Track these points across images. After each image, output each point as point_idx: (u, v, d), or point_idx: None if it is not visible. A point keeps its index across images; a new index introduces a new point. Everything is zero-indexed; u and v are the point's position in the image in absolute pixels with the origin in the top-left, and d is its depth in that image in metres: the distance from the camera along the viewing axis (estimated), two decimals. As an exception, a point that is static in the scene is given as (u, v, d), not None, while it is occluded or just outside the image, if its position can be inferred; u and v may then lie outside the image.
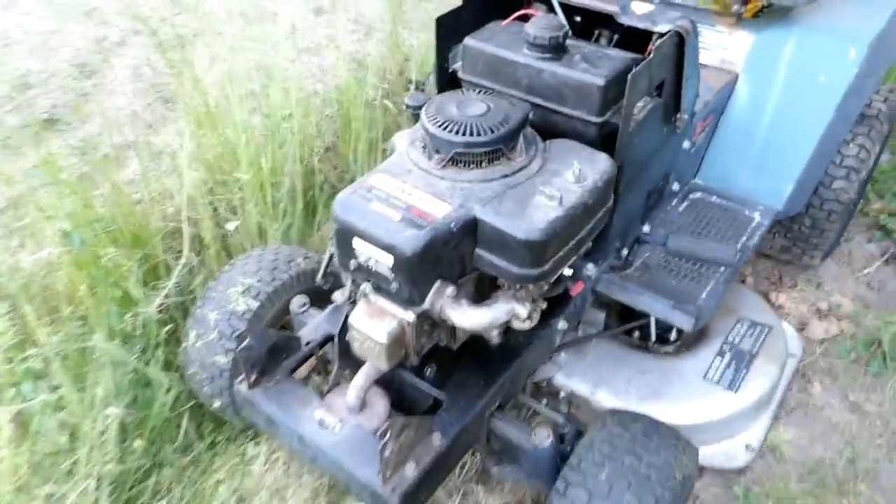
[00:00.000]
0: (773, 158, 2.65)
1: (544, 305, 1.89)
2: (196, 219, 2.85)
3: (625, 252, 2.39)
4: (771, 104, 2.63)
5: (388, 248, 1.67)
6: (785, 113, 2.61)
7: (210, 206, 2.95)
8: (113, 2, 5.25)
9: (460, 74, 2.14)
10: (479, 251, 1.76)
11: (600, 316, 2.56)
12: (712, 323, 2.65)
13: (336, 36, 4.87)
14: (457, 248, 1.73)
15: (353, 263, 1.79)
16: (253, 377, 1.94)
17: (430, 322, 1.81)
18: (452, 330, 1.92)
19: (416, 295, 1.73)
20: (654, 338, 2.55)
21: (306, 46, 4.79)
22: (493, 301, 1.81)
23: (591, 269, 2.27)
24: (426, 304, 1.75)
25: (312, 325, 2.16)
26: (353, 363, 2.02)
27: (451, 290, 1.74)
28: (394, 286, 1.72)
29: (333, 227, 1.80)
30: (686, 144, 2.49)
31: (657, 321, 2.50)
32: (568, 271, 2.22)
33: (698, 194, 2.77)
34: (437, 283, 1.75)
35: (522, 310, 1.80)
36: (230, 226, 2.91)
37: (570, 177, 1.78)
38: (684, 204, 2.73)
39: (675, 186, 2.60)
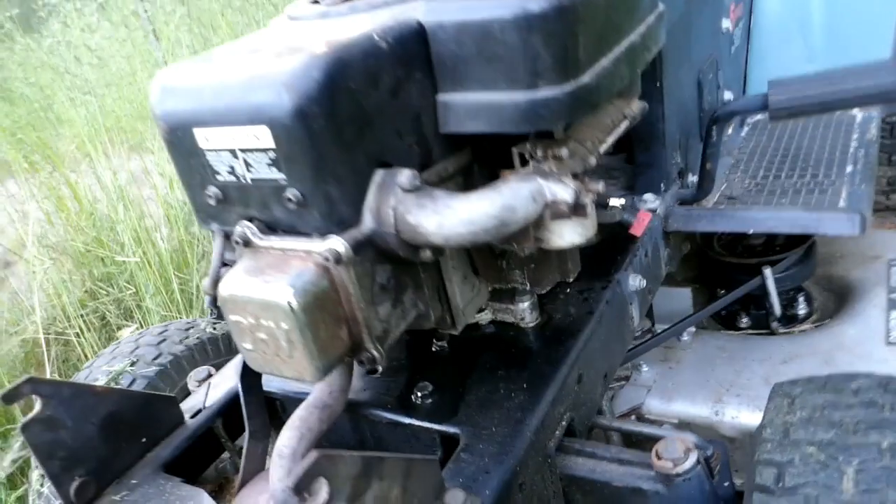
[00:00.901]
0: (846, 36, 1.88)
1: (600, 187, 0.97)
2: (67, 337, 1.96)
3: (693, 178, 1.53)
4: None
5: (257, 112, 0.81)
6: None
7: (94, 314, 2.07)
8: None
9: None
10: (444, 98, 0.90)
11: (682, 298, 1.63)
12: (853, 276, 1.73)
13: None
14: (398, 93, 0.87)
15: (212, 193, 0.91)
16: (73, 485, 0.96)
17: (391, 265, 0.91)
18: (441, 289, 1.01)
19: (341, 202, 0.84)
20: (777, 310, 1.59)
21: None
22: (501, 183, 0.90)
23: (651, 200, 1.39)
24: (367, 218, 0.85)
25: (208, 387, 1.21)
26: (276, 426, 1.07)
27: (406, 175, 0.85)
28: (291, 198, 0.84)
29: (164, 143, 0.94)
30: (725, 24, 1.71)
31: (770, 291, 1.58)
32: (617, 200, 1.35)
33: (759, 116, 1.95)
34: (379, 174, 0.86)
35: (562, 189, 0.89)
36: (124, 333, 2.02)
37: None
38: (745, 129, 1.90)
39: (728, 95, 1.78)
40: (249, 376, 1.10)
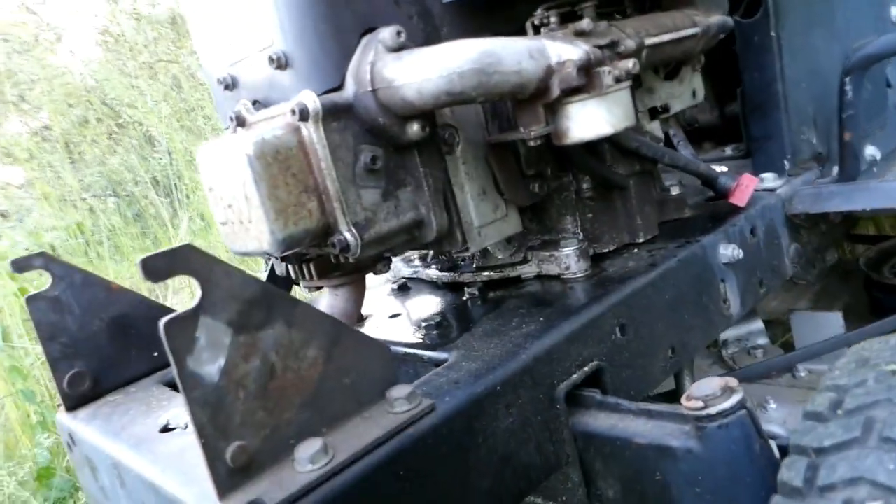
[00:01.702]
0: None
1: (631, 65, 0.79)
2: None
3: (835, 169, 1.26)
4: None
5: None
6: None
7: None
8: None
9: None
10: None
11: (832, 324, 1.30)
12: None
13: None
14: None
15: (222, 77, 0.92)
16: (69, 374, 0.95)
17: (381, 147, 0.82)
18: (450, 196, 0.88)
19: (321, 61, 0.79)
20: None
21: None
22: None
23: (771, 180, 1.16)
24: (349, 83, 0.79)
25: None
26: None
27: (388, 31, 0.78)
28: (273, 57, 0.81)
29: (195, 44, 0.98)
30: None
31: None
32: (718, 167, 1.15)
33: None
34: (366, 38, 0.80)
35: (569, 48, 0.75)
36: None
37: None
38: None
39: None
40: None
